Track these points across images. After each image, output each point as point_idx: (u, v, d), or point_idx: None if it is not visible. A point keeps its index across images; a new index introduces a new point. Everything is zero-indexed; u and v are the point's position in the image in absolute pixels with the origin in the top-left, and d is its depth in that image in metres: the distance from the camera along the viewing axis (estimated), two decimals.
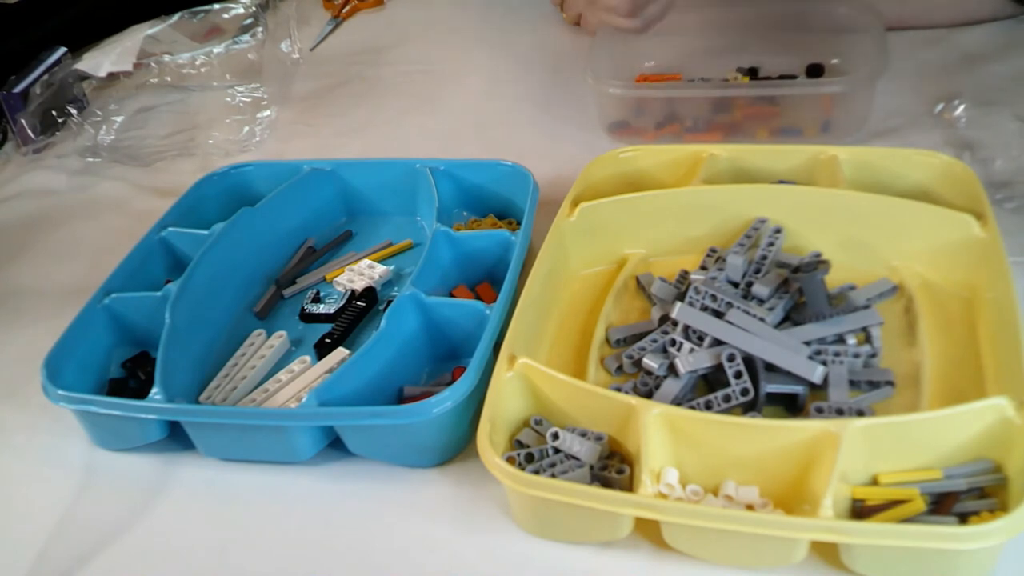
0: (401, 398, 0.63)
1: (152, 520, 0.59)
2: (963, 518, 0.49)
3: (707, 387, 0.60)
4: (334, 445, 0.60)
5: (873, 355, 0.60)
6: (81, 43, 1.07)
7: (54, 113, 1.02)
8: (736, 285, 0.65)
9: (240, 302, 0.74)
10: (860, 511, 0.50)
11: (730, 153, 0.74)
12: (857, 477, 0.51)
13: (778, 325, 0.61)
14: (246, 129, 0.99)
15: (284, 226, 0.78)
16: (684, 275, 0.68)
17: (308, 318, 0.72)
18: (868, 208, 0.66)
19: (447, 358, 0.66)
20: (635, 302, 0.69)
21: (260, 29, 1.09)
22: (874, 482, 0.52)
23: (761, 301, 0.63)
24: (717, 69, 0.92)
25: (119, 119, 1.03)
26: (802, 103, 0.84)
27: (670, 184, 0.74)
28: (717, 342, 0.60)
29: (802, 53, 0.91)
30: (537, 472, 0.54)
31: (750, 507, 0.52)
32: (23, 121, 0.99)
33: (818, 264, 0.62)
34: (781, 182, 0.72)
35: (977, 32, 0.96)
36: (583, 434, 0.56)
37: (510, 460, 0.55)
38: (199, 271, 0.70)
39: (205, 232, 0.73)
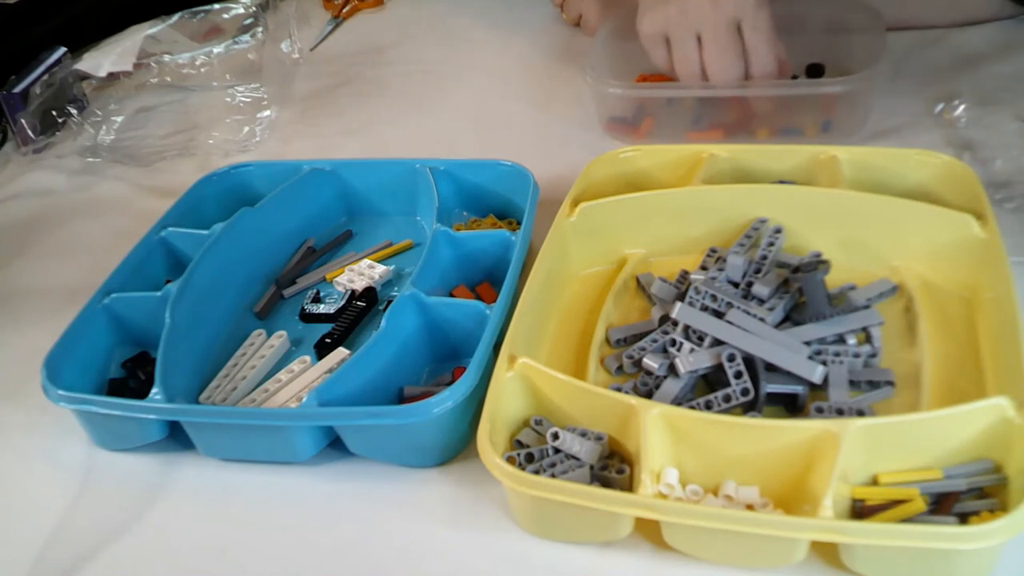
0: (401, 398, 0.63)
1: (152, 520, 0.59)
2: (963, 518, 0.49)
3: (707, 387, 0.60)
4: (334, 445, 0.60)
5: (873, 355, 0.60)
6: (81, 43, 1.07)
7: (54, 113, 1.02)
8: (736, 285, 0.65)
9: (240, 302, 0.74)
10: (860, 511, 0.50)
11: (730, 153, 0.74)
12: (857, 477, 0.51)
13: (778, 325, 0.61)
14: (246, 129, 0.99)
15: (284, 226, 0.78)
16: (684, 275, 0.68)
17: (308, 318, 0.72)
18: (868, 208, 0.66)
19: (447, 358, 0.66)
20: (635, 302, 0.69)
21: (260, 29, 1.09)
22: (874, 482, 0.52)
23: (761, 301, 0.63)
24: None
25: (119, 119, 1.03)
26: (802, 103, 0.84)
27: (670, 184, 0.74)
28: (717, 342, 0.60)
29: (802, 53, 0.91)
30: (537, 472, 0.54)
31: (750, 507, 0.52)
32: (23, 121, 0.99)
33: (818, 264, 0.62)
34: (781, 182, 0.73)
35: (977, 32, 0.96)
36: (583, 434, 0.56)
37: (510, 460, 0.55)
38: (199, 271, 0.70)
39: (205, 232, 0.73)
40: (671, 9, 0.80)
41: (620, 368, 0.63)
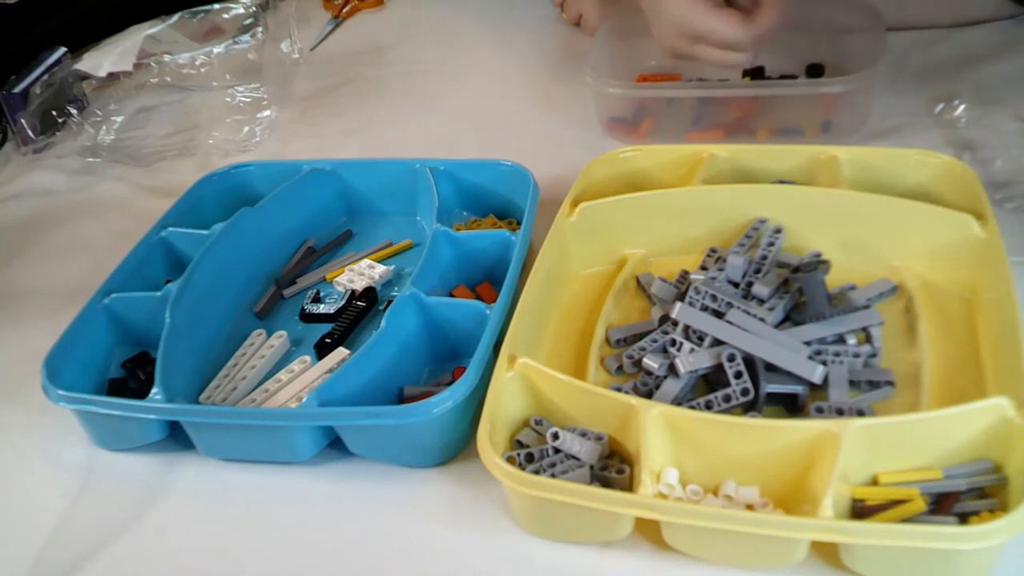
0: (401, 398, 0.63)
1: (152, 520, 0.59)
2: (963, 518, 0.49)
3: (707, 387, 0.60)
4: (334, 445, 0.60)
5: (873, 355, 0.60)
6: (81, 43, 1.07)
7: (54, 113, 1.02)
8: (736, 285, 0.65)
9: (240, 302, 0.74)
10: (860, 511, 0.50)
11: (730, 153, 0.74)
12: (857, 477, 0.51)
13: (778, 325, 0.61)
14: (246, 129, 0.99)
15: (284, 226, 0.78)
16: (684, 275, 0.68)
17: (308, 318, 0.72)
18: (868, 208, 0.66)
19: (447, 358, 0.66)
20: (635, 302, 0.69)
21: (260, 29, 1.09)
22: (874, 482, 0.52)
23: (761, 301, 0.63)
24: (717, 69, 0.92)
25: (119, 119, 1.03)
26: (802, 103, 0.84)
27: (670, 184, 0.74)
28: (717, 342, 0.60)
29: (802, 53, 0.91)
30: (537, 472, 0.54)
31: (750, 507, 0.52)
32: (23, 121, 0.99)
33: (818, 264, 0.62)
34: (781, 182, 0.73)
35: (977, 32, 0.96)
36: (583, 434, 0.56)
37: (510, 460, 0.55)
38: (199, 271, 0.70)
39: (205, 232, 0.73)
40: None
41: (620, 368, 0.63)
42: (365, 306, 0.71)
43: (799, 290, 0.63)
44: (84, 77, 1.05)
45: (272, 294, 0.74)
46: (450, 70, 1.07)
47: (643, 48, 0.95)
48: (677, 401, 0.58)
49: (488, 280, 0.72)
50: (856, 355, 0.59)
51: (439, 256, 0.70)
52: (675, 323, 0.62)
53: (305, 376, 0.65)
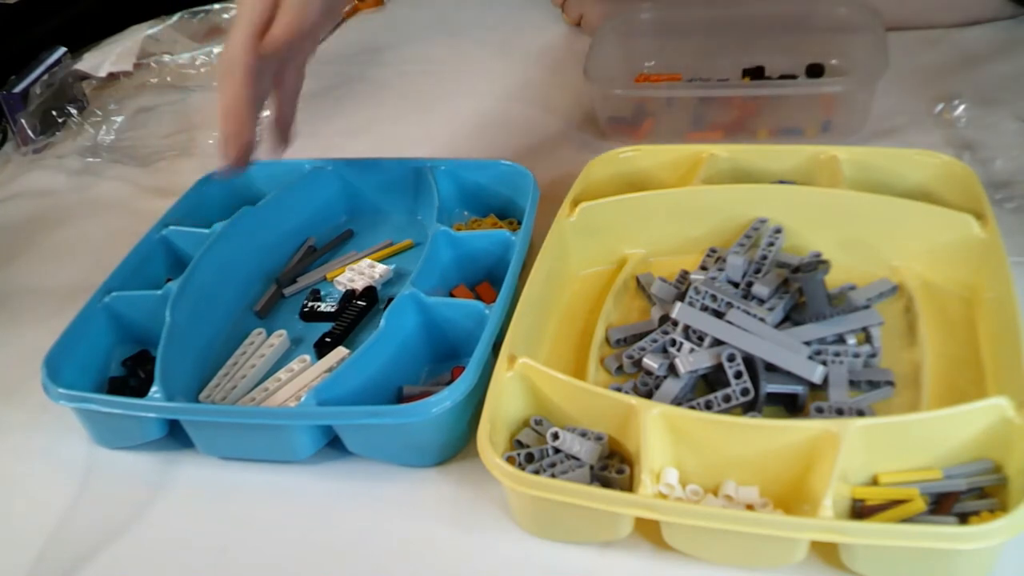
0: (400, 397, 0.63)
1: (152, 518, 0.59)
2: (963, 518, 0.49)
3: (707, 387, 0.60)
4: (333, 444, 0.60)
5: (873, 355, 0.60)
6: (81, 43, 1.08)
7: (54, 113, 1.02)
8: (736, 285, 0.65)
9: (240, 301, 0.74)
10: (860, 511, 0.50)
11: (730, 153, 0.74)
12: (857, 477, 0.51)
13: (778, 325, 0.61)
14: None
15: (285, 225, 0.78)
16: (684, 275, 0.68)
17: (308, 317, 0.72)
18: (868, 208, 0.66)
19: (447, 358, 0.66)
20: (635, 302, 0.69)
21: None
22: (874, 482, 0.52)
23: (761, 301, 0.63)
24: (717, 69, 0.92)
25: (119, 119, 1.03)
26: (802, 103, 0.84)
27: (670, 184, 0.74)
28: (717, 342, 0.60)
29: (802, 53, 0.91)
30: (537, 472, 0.54)
31: (750, 507, 0.52)
32: (23, 121, 1.00)
33: (818, 264, 0.62)
34: (781, 182, 0.73)
35: (977, 32, 0.96)
36: (583, 434, 0.56)
37: (510, 460, 0.55)
38: (200, 270, 0.70)
39: (206, 231, 0.73)
40: None
41: (620, 368, 0.63)
42: (365, 305, 0.71)
43: (799, 290, 0.63)
44: (84, 77, 1.05)
45: (272, 293, 0.74)
46: (450, 70, 1.07)
47: (643, 48, 0.95)
48: (677, 401, 0.58)
49: (488, 280, 0.72)
50: (856, 355, 0.59)
51: (439, 256, 0.70)
52: (675, 323, 0.62)
53: (304, 375, 0.65)
